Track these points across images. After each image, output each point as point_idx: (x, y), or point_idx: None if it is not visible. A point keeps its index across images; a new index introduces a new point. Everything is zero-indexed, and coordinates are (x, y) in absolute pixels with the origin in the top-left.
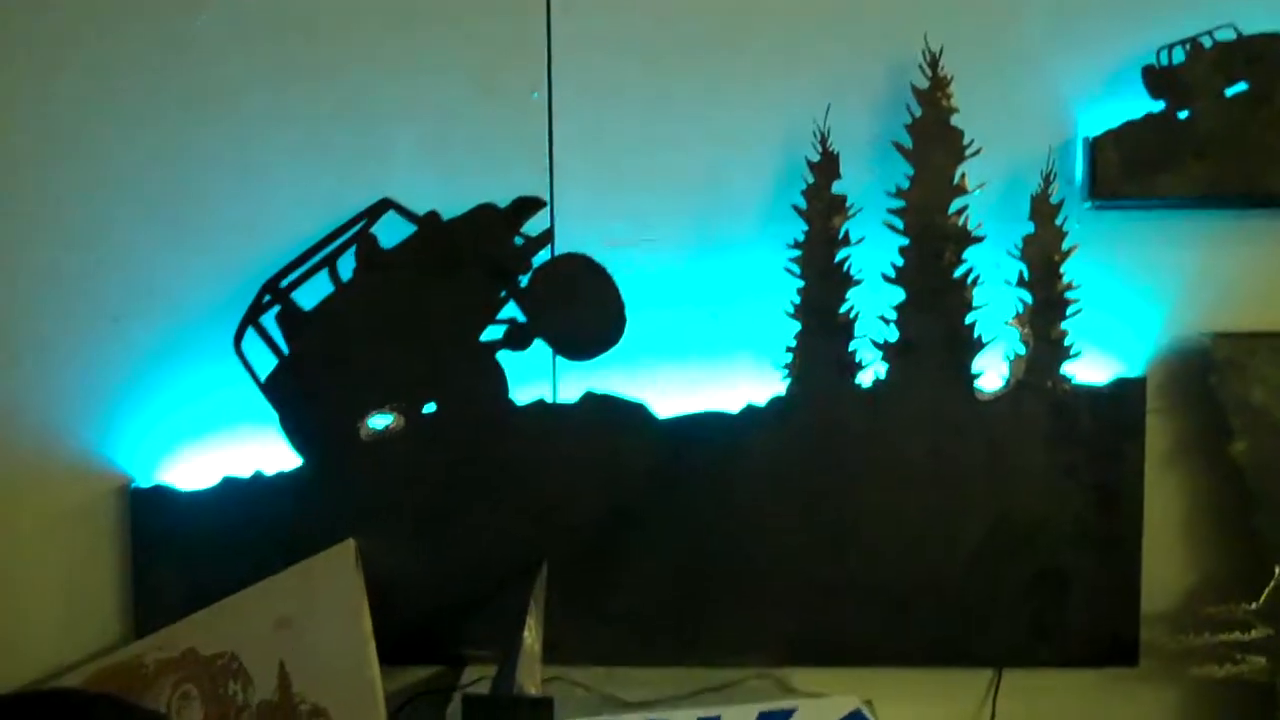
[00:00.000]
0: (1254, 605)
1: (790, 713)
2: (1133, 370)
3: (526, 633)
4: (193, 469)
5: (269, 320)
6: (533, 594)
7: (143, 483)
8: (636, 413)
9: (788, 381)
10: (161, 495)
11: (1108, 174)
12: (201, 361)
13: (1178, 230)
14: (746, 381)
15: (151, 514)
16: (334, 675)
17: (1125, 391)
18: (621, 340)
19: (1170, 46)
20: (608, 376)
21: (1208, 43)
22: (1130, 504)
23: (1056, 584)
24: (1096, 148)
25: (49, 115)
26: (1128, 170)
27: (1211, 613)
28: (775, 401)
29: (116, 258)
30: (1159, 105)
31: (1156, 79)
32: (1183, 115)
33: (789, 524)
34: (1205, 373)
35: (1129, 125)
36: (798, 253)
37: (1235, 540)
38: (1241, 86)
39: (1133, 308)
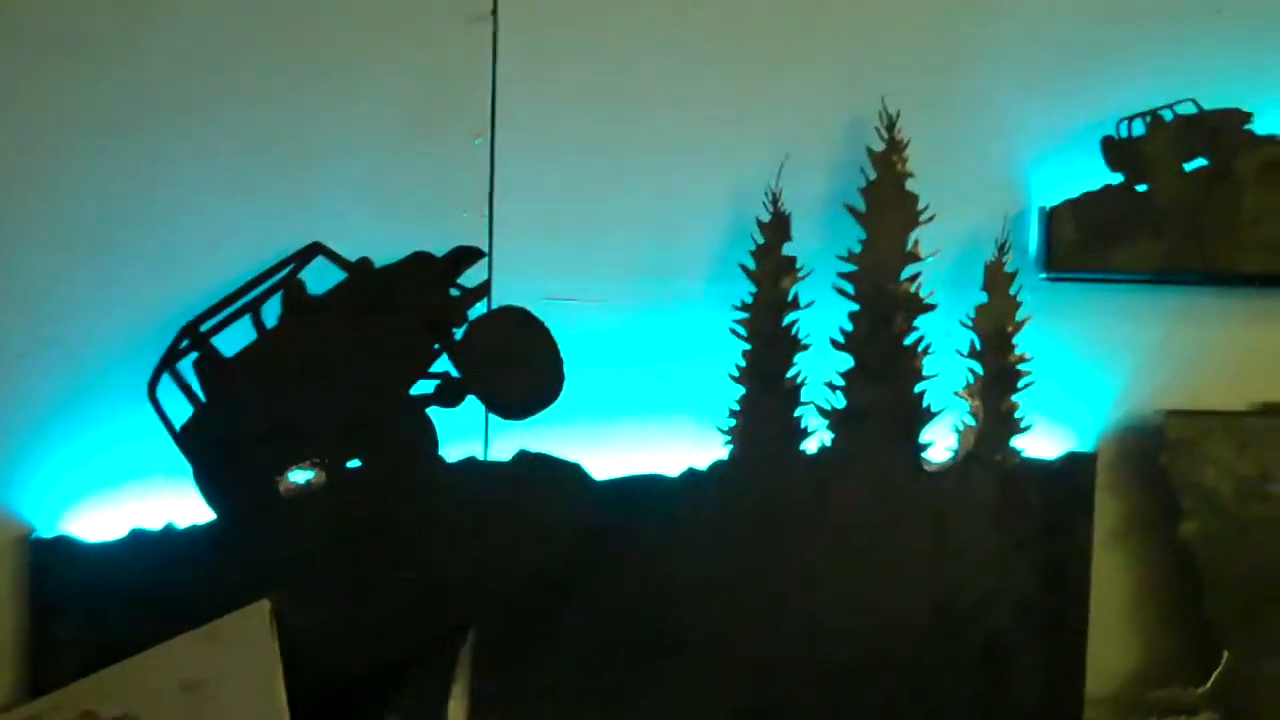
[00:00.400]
0: (1202, 689)
1: None
2: (1084, 445)
3: (452, 702)
4: (100, 520)
5: (186, 366)
6: (458, 662)
7: (45, 532)
8: (572, 474)
9: (730, 446)
10: (65, 546)
11: (1064, 245)
12: (112, 406)
13: (1133, 305)
14: (687, 445)
15: (53, 566)
16: None
17: (1075, 467)
18: (559, 399)
19: (1130, 119)
20: (543, 435)
21: (1168, 116)
22: (1077, 582)
23: (1002, 661)
24: (1053, 218)
25: None
26: (1084, 242)
27: (1159, 697)
28: (717, 466)
29: (22, 291)
30: (1117, 177)
31: (1116, 151)
32: (1141, 189)
33: (728, 594)
34: (1157, 451)
35: (1086, 196)
36: (745, 315)
37: (1183, 622)
38: (1200, 162)
39: (1085, 382)
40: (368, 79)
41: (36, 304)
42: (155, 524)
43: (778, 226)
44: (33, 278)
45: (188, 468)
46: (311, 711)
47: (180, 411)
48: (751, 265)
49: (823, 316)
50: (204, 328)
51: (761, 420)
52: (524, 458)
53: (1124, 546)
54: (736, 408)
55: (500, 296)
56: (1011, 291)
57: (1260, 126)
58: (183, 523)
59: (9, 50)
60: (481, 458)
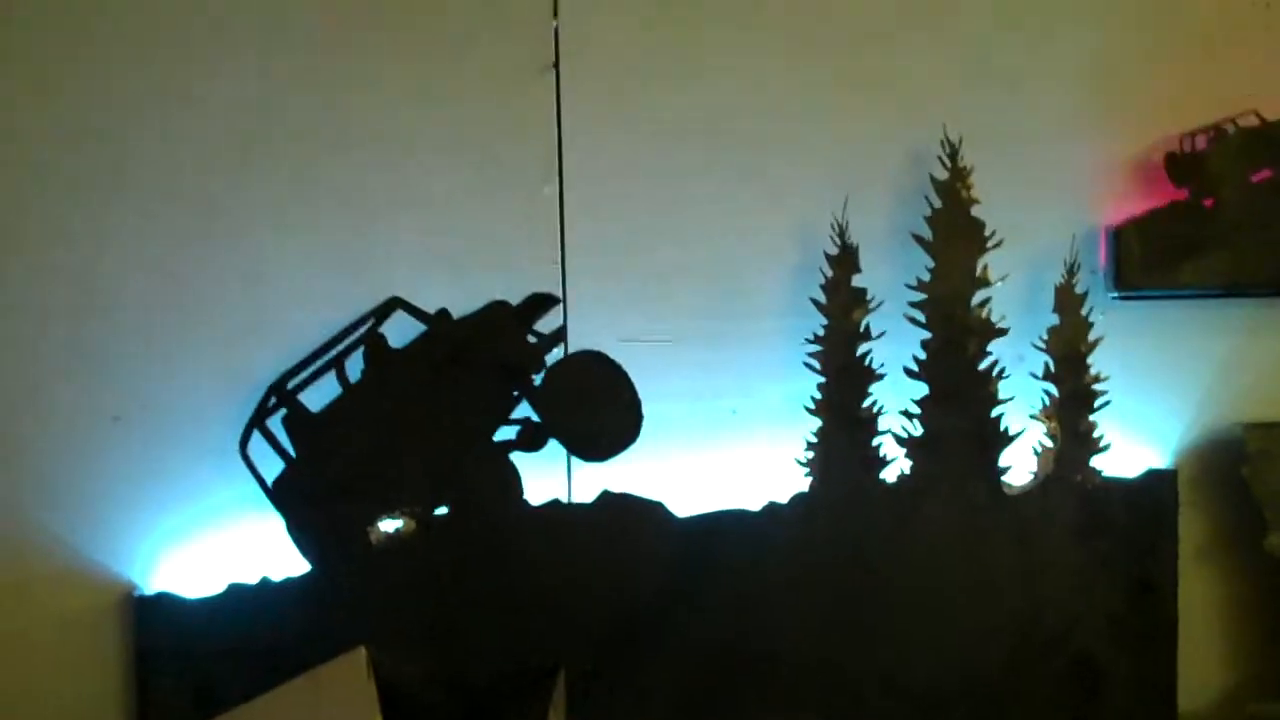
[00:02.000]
0: None
1: None
2: (1164, 462)
3: None
4: (198, 576)
5: (275, 423)
6: (550, 703)
7: (146, 590)
8: (654, 512)
9: (810, 478)
10: (166, 603)
11: (1132, 264)
12: (205, 465)
13: (1205, 319)
14: (767, 479)
15: (156, 622)
16: None
17: (1156, 484)
18: (638, 439)
19: (1193, 134)
20: (625, 474)
21: (1230, 129)
22: (1165, 598)
23: (1092, 680)
24: (1120, 237)
25: (51, 218)
26: (1152, 260)
27: (1256, 710)
28: (798, 498)
29: (119, 359)
30: (1182, 193)
31: (1180, 166)
32: (1207, 203)
33: (815, 623)
34: (1237, 464)
35: (1153, 214)
36: (817, 348)
37: (1274, 633)
38: (1266, 173)
39: (1162, 398)
40: (436, 137)
41: (130, 371)
42: (251, 578)
43: (845, 259)
44: (125, 346)
45: (281, 522)
46: None
47: (272, 468)
48: (822, 299)
49: (895, 346)
50: (291, 385)
51: (839, 451)
52: (607, 498)
53: (1210, 561)
54: (814, 440)
55: (576, 341)
56: (1083, 312)
57: None
58: (278, 576)
59: (102, 131)
60: (565, 500)
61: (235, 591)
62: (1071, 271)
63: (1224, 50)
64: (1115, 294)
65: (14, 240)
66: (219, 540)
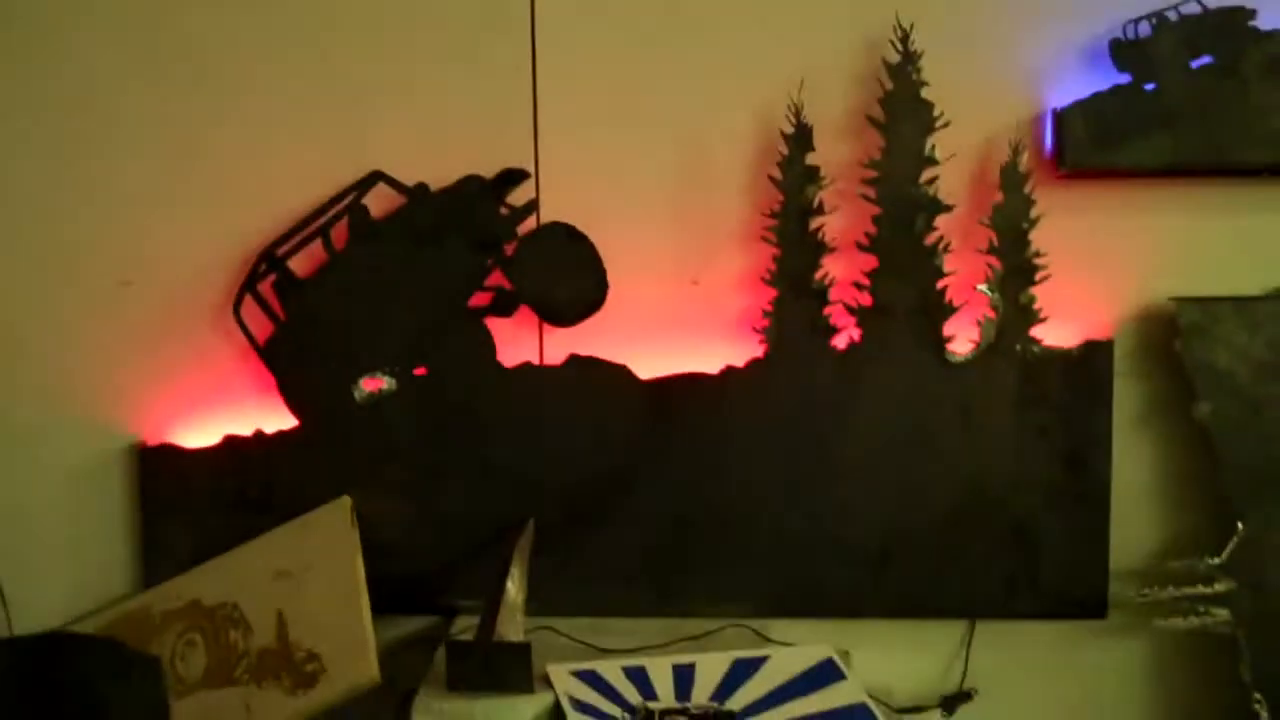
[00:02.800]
0: (1217, 560)
1: (763, 660)
2: (1101, 334)
3: (510, 583)
4: (198, 429)
5: (267, 288)
6: (518, 548)
7: (150, 441)
8: (620, 374)
9: (765, 345)
10: (168, 454)
11: (1075, 144)
12: (204, 326)
13: (1144, 199)
14: (725, 347)
15: (158, 471)
16: (329, 624)
17: (1093, 355)
18: (603, 307)
19: (1136, 21)
20: (592, 341)
21: (1173, 17)
22: (1099, 464)
23: (1028, 541)
24: (1064, 119)
25: (55, 93)
26: (1095, 141)
27: (1176, 567)
28: (754, 364)
29: (123, 224)
30: (1126, 78)
31: (1124, 52)
32: (1149, 88)
33: (767, 482)
34: (1171, 337)
35: (1096, 97)
36: (774, 222)
37: (1200, 499)
38: (1207, 59)
39: (1102, 274)
40: (418, 23)
41: (138, 240)
42: (246, 431)
43: (801, 138)
44: (134, 212)
45: (272, 379)
46: (387, 594)
47: (263, 329)
48: (779, 176)
49: (847, 221)
50: (280, 252)
51: (793, 319)
52: (575, 361)
53: (1143, 429)
54: (769, 309)
55: (547, 214)
56: (1026, 190)
57: (1264, 23)
58: (270, 429)
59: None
60: (536, 363)
61: (231, 443)
62: (1016, 150)
63: None
64: (1059, 173)
65: (31, 114)
66: (216, 396)
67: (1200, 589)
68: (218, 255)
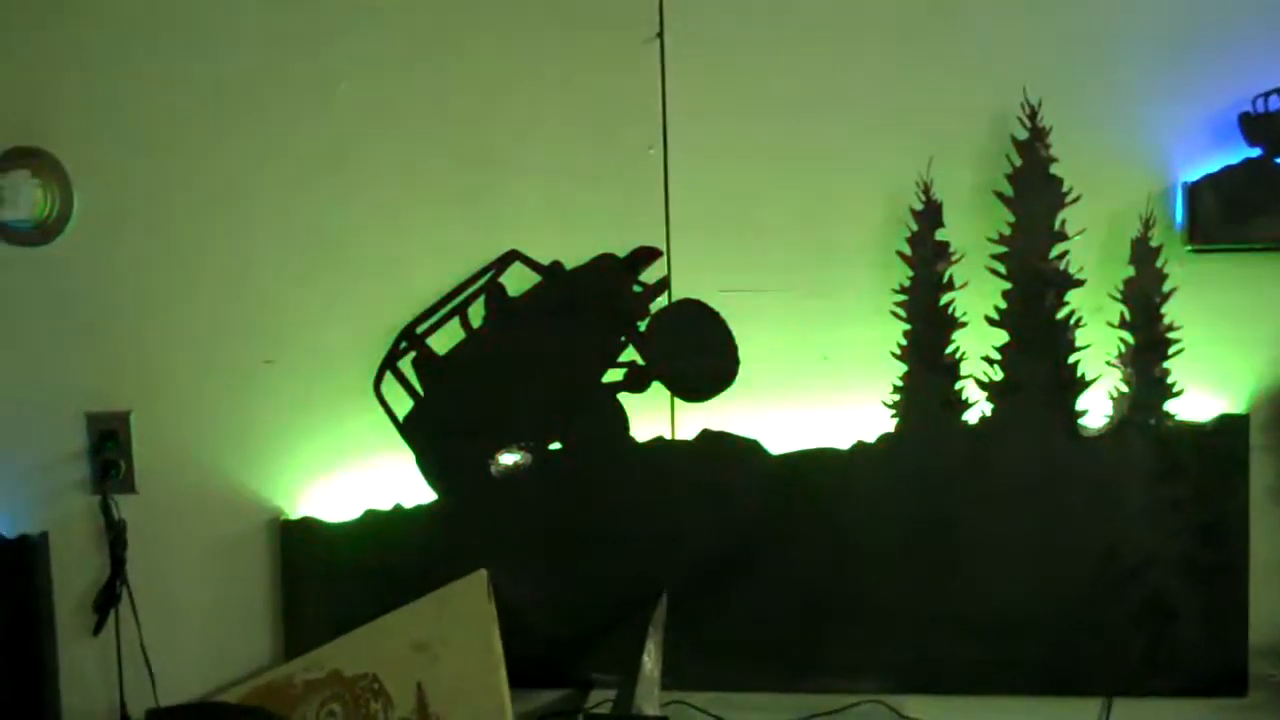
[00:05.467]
0: None
1: None
2: (1236, 408)
3: (646, 658)
4: (338, 503)
5: (406, 365)
6: (652, 622)
7: (292, 515)
8: (751, 449)
9: (895, 420)
10: (309, 526)
11: (1206, 217)
12: (345, 403)
13: (1277, 272)
14: (856, 421)
15: (300, 544)
16: (467, 696)
17: (1229, 428)
18: (736, 382)
19: (1267, 95)
20: (723, 415)
21: None
22: (1236, 537)
23: (1164, 616)
24: (1195, 193)
25: (199, 184)
26: (1226, 214)
27: None
28: (884, 438)
29: (269, 306)
30: (1256, 151)
31: (1253, 125)
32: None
33: (899, 556)
34: None
35: (1227, 170)
36: (904, 297)
37: None
38: None
39: (1234, 347)
40: (554, 106)
41: (279, 320)
42: (385, 505)
43: (930, 214)
44: (277, 298)
45: (411, 455)
46: (524, 667)
47: (403, 406)
48: (908, 251)
49: (977, 296)
50: (419, 330)
51: (924, 394)
52: (707, 436)
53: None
54: (900, 384)
55: (679, 290)
56: (1158, 264)
57: None
58: (408, 503)
59: (254, 90)
60: (669, 437)
61: (371, 517)
62: (1147, 225)
63: None
64: (1190, 247)
65: (179, 206)
66: (357, 471)
67: None
68: (358, 333)
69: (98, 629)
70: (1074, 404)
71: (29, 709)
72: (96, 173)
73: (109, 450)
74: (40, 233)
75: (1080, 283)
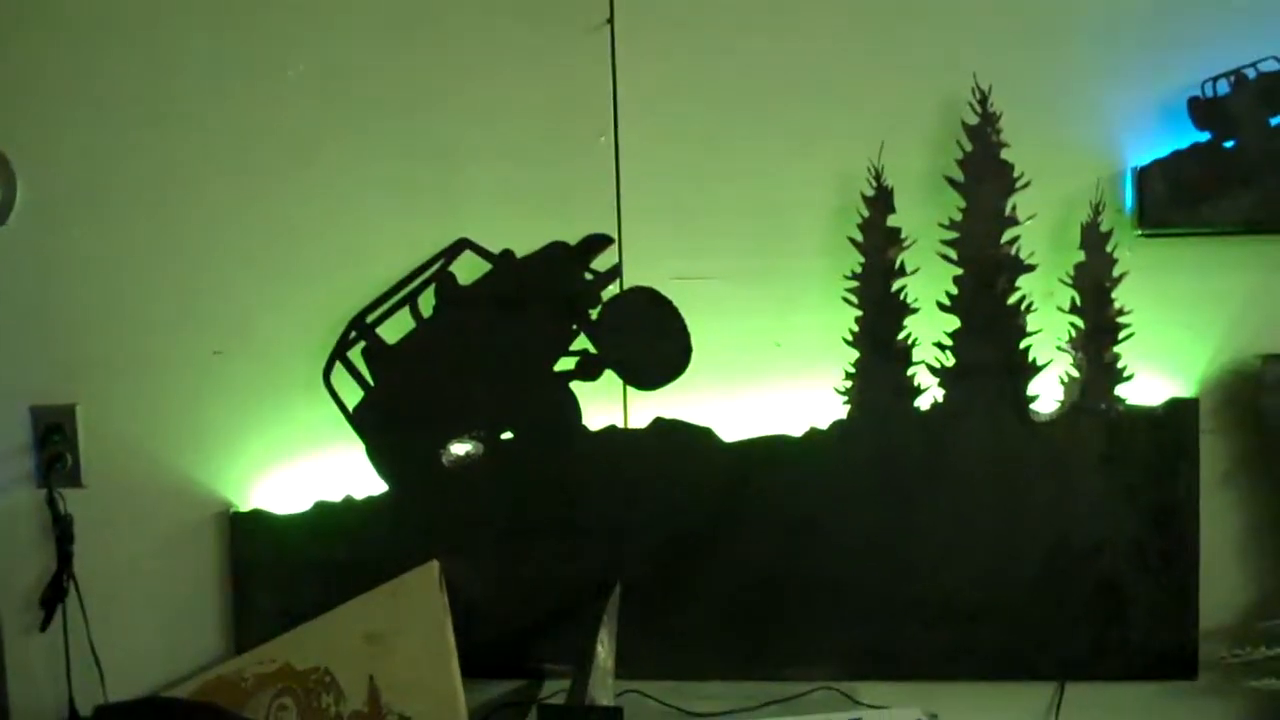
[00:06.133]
0: None
1: None
2: (1187, 392)
3: (600, 647)
4: (288, 494)
5: (356, 355)
6: (606, 611)
7: (241, 507)
8: (704, 437)
9: (848, 406)
10: (259, 519)
11: (1156, 202)
12: (294, 394)
13: (1227, 256)
14: (808, 407)
15: (250, 537)
16: (420, 687)
17: (1179, 413)
18: (688, 369)
19: (1215, 79)
20: (676, 403)
21: (1252, 74)
22: (1186, 522)
23: (1117, 601)
24: (1144, 177)
25: (154, 167)
26: (1175, 199)
27: (1267, 626)
28: (837, 425)
29: (217, 296)
30: (1205, 136)
31: (1202, 110)
32: (1228, 145)
33: (853, 543)
34: (1257, 394)
35: (1175, 155)
36: (855, 283)
37: None
38: None
39: (1185, 332)
40: (505, 94)
41: (224, 310)
42: (335, 496)
43: (881, 200)
44: (227, 283)
45: (361, 445)
46: (476, 658)
47: (353, 395)
48: (859, 238)
49: (928, 282)
50: (369, 319)
51: (876, 380)
52: (660, 424)
53: (1231, 486)
54: (852, 370)
55: (630, 278)
56: (1108, 249)
57: None
58: (359, 494)
59: (200, 75)
60: (621, 425)
61: (321, 509)
62: (1097, 210)
63: None
64: (1139, 232)
65: (129, 194)
66: (307, 462)
67: None
68: (308, 324)
69: (44, 625)
70: (1025, 389)
71: None
72: (40, 161)
73: (54, 444)
74: None
75: (1031, 268)
